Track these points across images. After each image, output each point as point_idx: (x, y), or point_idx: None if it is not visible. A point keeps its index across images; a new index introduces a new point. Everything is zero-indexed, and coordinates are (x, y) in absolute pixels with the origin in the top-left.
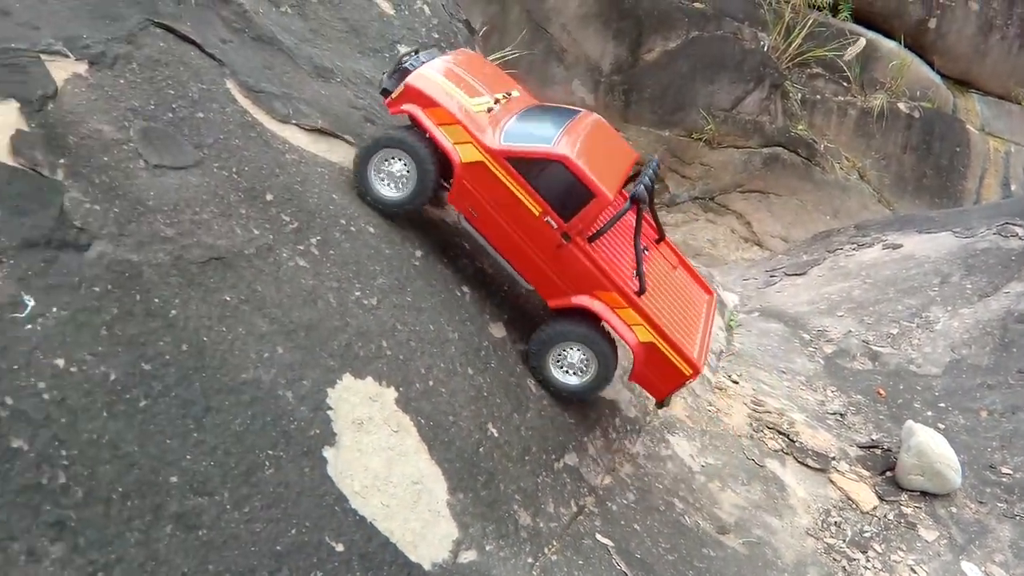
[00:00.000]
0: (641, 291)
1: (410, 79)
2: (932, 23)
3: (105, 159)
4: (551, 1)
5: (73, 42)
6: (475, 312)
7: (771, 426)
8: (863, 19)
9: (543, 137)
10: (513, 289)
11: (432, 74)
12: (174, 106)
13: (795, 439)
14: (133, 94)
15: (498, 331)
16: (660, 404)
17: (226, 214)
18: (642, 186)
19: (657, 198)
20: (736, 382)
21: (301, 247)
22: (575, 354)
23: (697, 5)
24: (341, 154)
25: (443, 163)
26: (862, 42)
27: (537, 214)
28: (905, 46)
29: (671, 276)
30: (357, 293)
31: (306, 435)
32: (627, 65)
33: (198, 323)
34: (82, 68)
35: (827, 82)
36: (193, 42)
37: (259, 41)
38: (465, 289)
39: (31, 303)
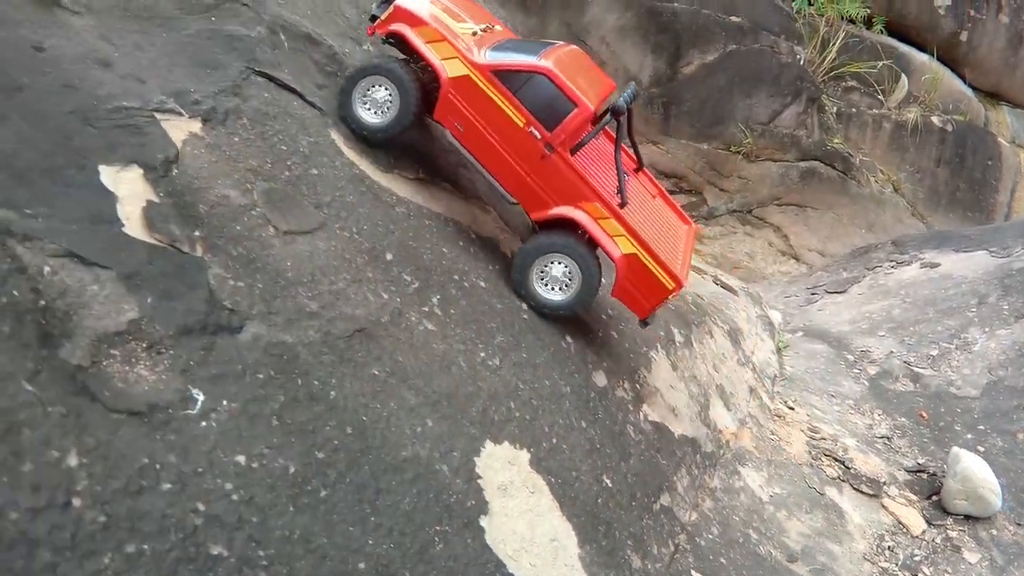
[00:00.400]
0: (623, 204)
1: (398, 1)
2: (963, 36)
3: (238, 228)
4: (590, 14)
5: (183, 97)
6: (580, 362)
7: (827, 453)
8: (896, 31)
9: (527, 55)
10: (605, 332)
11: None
12: (289, 163)
13: (849, 465)
14: (250, 152)
15: (600, 379)
16: (643, 323)
17: (357, 280)
18: (622, 100)
19: (695, 211)
20: (792, 408)
21: (425, 309)
22: (558, 268)
23: (733, 19)
24: (443, 203)
25: (425, 92)
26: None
27: (521, 125)
28: (937, 58)
29: (651, 202)
30: (482, 354)
31: (464, 507)
32: (666, 78)
33: (356, 402)
34: (197, 127)
35: (862, 95)
36: (294, 91)
37: None
38: (569, 339)
39: (200, 397)
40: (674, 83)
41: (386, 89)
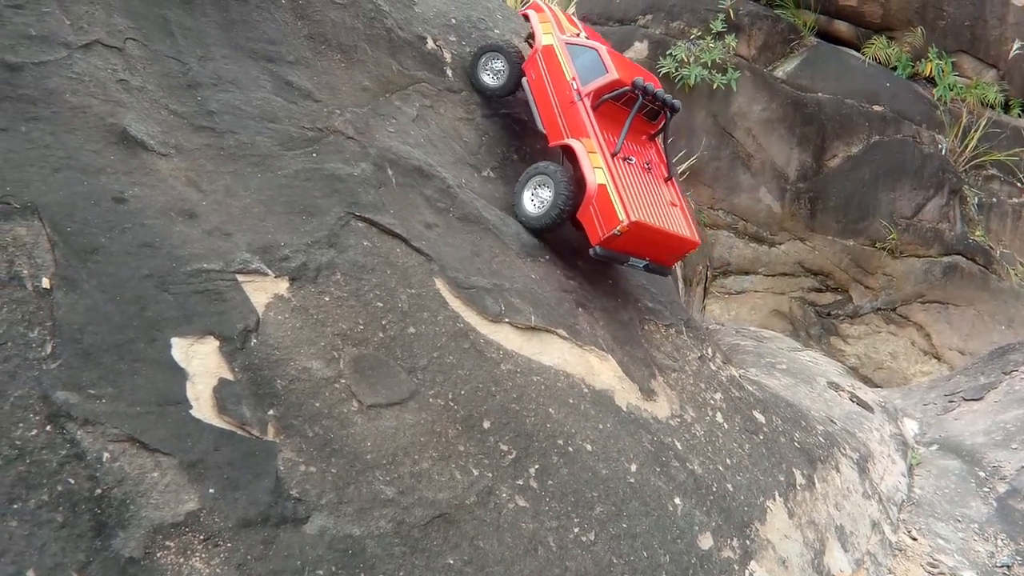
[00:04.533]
0: (615, 152)
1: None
2: None
3: (317, 405)
4: (735, 105)
5: (270, 253)
6: (685, 525)
7: None
8: None
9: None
10: (720, 486)
11: (554, 5)
12: (384, 323)
13: None
14: (340, 314)
15: (706, 542)
16: (593, 251)
17: (445, 456)
18: (641, 78)
19: (841, 309)
20: (915, 539)
21: (520, 482)
22: (546, 192)
23: (876, 108)
24: (555, 354)
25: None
26: None
27: (568, 78)
28: None
29: (659, 193)
30: (576, 530)
31: None
32: (812, 172)
33: None
34: (283, 287)
35: (1002, 184)
36: (399, 236)
37: (464, 221)
38: (677, 502)
39: None
40: (820, 177)
41: (500, 62)
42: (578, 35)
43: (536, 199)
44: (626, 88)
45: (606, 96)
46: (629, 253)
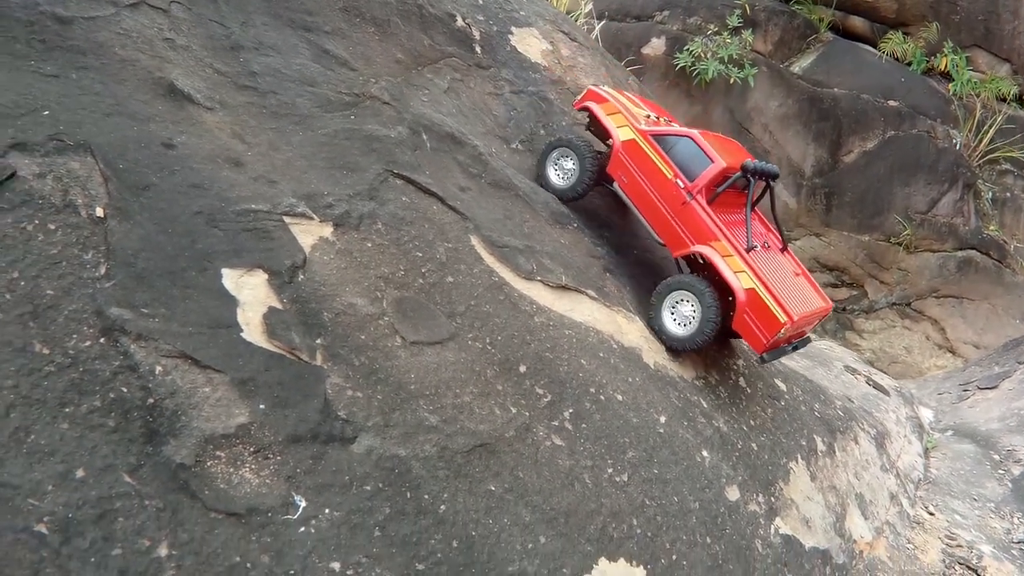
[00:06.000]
0: (748, 247)
1: (591, 87)
2: None
3: (362, 338)
4: (752, 101)
5: (315, 200)
6: (713, 477)
7: (961, 562)
8: None
9: (679, 127)
10: (745, 444)
11: (608, 87)
12: (423, 270)
13: (982, 574)
14: (382, 259)
15: (733, 494)
16: (760, 358)
17: (485, 393)
18: (750, 159)
19: (856, 304)
20: (932, 514)
21: (556, 423)
22: (687, 306)
23: (891, 103)
24: (585, 312)
25: (600, 167)
26: None
27: (670, 177)
28: None
29: (784, 266)
30: (610, 470)
31: None
32: (827, 168)
33: (466, 517)
34: (327, 231)
35: (1016, 178)
36: (435, 194)
37: (496, 187)
38: (705, 454)
39: (303, 504)
40: (835, 172)
41: (571, 160)
42: (648, 116)
43: (678, 317)
44: (738, 175)
45: (721, 188)
46: (786, 343)
